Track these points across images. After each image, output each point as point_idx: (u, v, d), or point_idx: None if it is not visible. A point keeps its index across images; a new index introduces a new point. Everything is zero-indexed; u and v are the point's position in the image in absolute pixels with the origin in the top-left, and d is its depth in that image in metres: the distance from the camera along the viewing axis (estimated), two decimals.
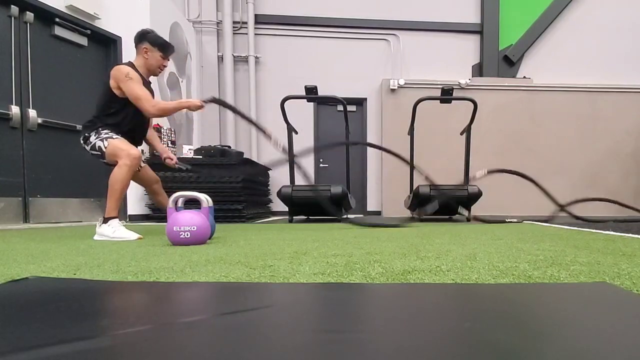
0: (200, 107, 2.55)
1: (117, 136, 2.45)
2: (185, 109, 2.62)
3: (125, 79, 2.36)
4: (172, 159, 2.83)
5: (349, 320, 0.70)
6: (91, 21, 4.24)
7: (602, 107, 6.62)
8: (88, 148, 2.46)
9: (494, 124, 6.47)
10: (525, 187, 6.20)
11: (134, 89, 2.37)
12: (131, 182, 2.56)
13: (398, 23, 6.62)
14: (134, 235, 2.32)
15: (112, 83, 2.40)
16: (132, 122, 2.51)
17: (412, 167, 3.62)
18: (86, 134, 2.46)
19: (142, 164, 2.69)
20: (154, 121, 3.76)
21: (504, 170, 3.96)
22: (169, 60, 2.65)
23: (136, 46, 2.55)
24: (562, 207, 3.75)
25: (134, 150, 2.41)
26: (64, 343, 0.56)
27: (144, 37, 2.52)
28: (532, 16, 6.71)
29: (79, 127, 4.14)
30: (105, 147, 2.40)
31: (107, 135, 2.42)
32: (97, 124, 2.46)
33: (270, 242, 2.06)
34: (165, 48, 2.57)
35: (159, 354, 0.53)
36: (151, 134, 2.83)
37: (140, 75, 2.49)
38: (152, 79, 2.70)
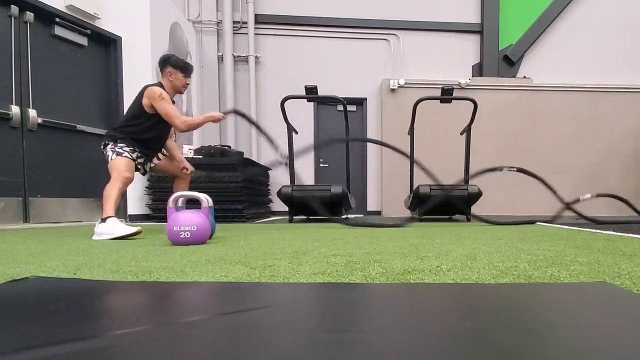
0: (221, 119, 2.85)
1: (127, 154, 2.64)
2: (209, 121, 2.86)
3: (158, 99, 2.62)
4: (188, 169, 3.05)
5: (349, 320, 0.70)
6: (91, 21, 4.23)
7: (601, 107, 6.61)
8: (104, 153, 2.71)
9: (494, 124, 6.46)
10: (525, 187, 6.22)
11: (166, 107, 2.64)
12: (132, 183, 2.73)
13: (398, 23, 6.61)
14: (132, 229, 2.36)
15: (145, 101, 2.65)
16: (151, 133, 2.74)
17: (428, 169, 3.64)
18: (106, 142, 2.71)
19: (161, 157, 2.96)
20: None
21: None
22: (190, 78, 2.89)
23: (161, 70, 2.80)
24: (568, 205, 3.76)
25: (128, 174, 2.61)
26: (64, 343, 0.56)
27: (167, 62, 2.78)
28: (532, 16, 6.71)
29: (79, 127, 4.16)
30: (111, 159, 2.63)
31: (119, 150, 2.64)
32: (118, 136, 2.68)
33: (270, 242, 2.06)
34: (185, 69, 2.82)
35: (159, 354, 0.53)
36: (172, 145, 3.04)
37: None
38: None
